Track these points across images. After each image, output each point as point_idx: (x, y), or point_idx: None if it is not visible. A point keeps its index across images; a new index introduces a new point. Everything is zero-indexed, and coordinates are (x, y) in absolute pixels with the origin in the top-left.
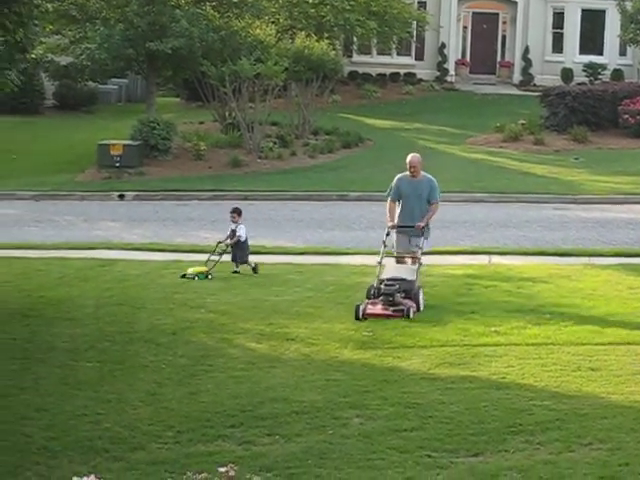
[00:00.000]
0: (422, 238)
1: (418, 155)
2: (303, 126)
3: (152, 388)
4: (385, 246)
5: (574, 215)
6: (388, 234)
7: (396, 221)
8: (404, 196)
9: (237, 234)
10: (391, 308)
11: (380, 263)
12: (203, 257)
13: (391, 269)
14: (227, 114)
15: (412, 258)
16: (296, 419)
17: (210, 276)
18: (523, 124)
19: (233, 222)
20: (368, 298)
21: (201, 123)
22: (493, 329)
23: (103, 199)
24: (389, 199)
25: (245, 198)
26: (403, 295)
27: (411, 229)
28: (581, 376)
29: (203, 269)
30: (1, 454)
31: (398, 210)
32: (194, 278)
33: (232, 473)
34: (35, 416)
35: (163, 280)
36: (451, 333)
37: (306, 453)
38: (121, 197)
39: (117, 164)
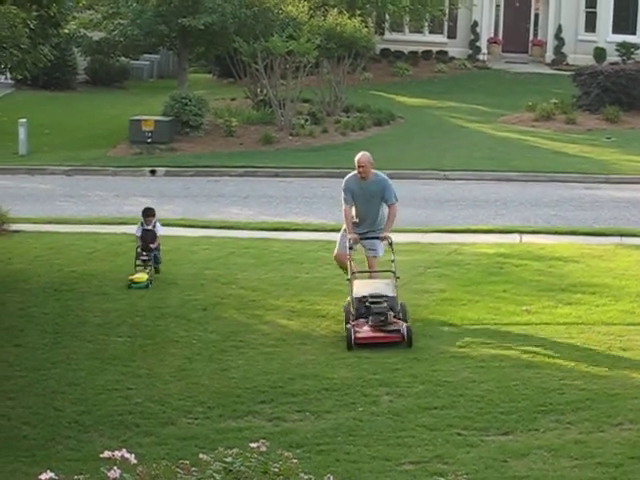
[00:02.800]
0: (380, 243)
1: (368, 154)
2: (335, 103)
3: (183, 363)
4: (351, 259)
5: (606, 195)
6: (351, 247)
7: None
8: (356, 199)
9: (158, 233)
10: (383, 329)
11: (351, 280)
12: (234, 233)
13: (364, 285)
14: (259, 91)
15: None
16: (326, 396)
17: (151, 283)
18: (555, 103)
19: (147, 223)
20: (347, 322)
21: (233, 100)
22: (524, 308)
23: (134, 174)
24: (345, 206)
25: (276, 175)
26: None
27: (368, 233)
28: (612, 356)
29: (143, 277)
30: (33, 428)
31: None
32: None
33: (263, 449)
34: (66, 390)
35: (194, 256)
36: (482, 312)
37: (336, 430)
38: (152, 173)
39: (149, 140)
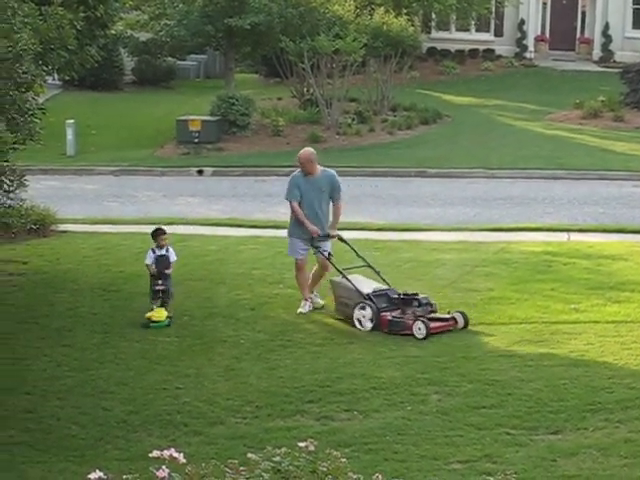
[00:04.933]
0: (329, 242)
1: (309, 149)
2: (381, 102)
3: (231, 363)
4: (331, 255)
5: None
6: (317, 247)
7: (290, 227)
8: (305, 195)
9: (171, 260)
10: (440, 318)
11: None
12: (281, 233)
13: (361, 281)
14: (305, 90)
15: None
16: (374, 395)
17: (171, 320)
18: (603, 101)
19: (160, 247)
20: (372, 319)
21: (279, 99)
22: (572, 306)
23: (182, 174)
24: (292, 201)
25: None
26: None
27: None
28: None
29: (162, 314)
30: (81, 427)
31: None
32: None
33: (312, 448)
34: (115, 390)
35: (242, 255)
36: (530, 310)
37: (384, 429)
38: (200, 173)
39: (196, 140)
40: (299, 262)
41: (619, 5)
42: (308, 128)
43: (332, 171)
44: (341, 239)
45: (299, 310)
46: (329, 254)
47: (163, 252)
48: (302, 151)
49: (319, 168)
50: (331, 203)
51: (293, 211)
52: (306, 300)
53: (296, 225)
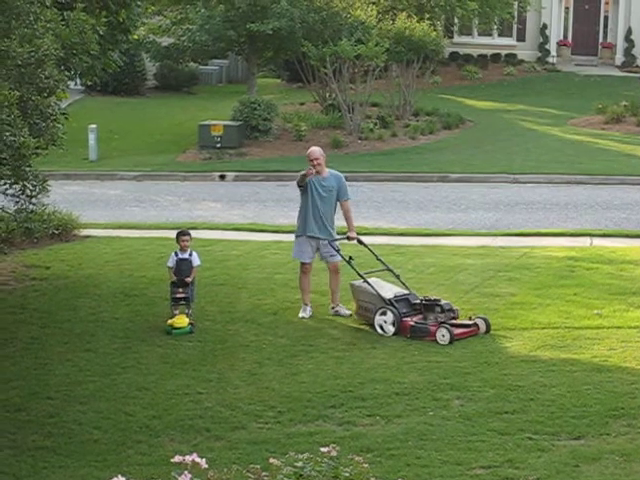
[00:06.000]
0: (334, 244)
1: (319, 148)
2: (404, 107)
3: (253, 368)
4: (352, 259)
5: None
6: (338, 250)
7: (298, 226)
8: (312, 194)
9: (194, 264)
10: (463, 324)
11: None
12: None
13: (382, 286)
14: (327, 95)
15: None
16: (396, 400)
17: (193, 327)
18: (625, 106)
19: (182, 250)
20: (394, 324)
21: (301, 104)
22: (595, 312)
23: (204, 179)
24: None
25: (346, 179)
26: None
27: (323, 235)
28: None
29: (184, 321)
30: (104, 432)
31: (303, 213)
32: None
33: (334, 453)
34: (137, 395)
35: (264, 260)
36: (553, 315)
37: (406, 434)
38: (222, 177)
39: (218, 145)
40: (306, 265)
41: None
42: (330, 133)
43: (337, 172)
44: (360, 242)
45: (300, 314)
46: (350, 257)
47: (186, 256)
48: (312, 149)
49: (326, 170)
50: (339, 205)
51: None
52: (306, 305)
53: (304, 224)
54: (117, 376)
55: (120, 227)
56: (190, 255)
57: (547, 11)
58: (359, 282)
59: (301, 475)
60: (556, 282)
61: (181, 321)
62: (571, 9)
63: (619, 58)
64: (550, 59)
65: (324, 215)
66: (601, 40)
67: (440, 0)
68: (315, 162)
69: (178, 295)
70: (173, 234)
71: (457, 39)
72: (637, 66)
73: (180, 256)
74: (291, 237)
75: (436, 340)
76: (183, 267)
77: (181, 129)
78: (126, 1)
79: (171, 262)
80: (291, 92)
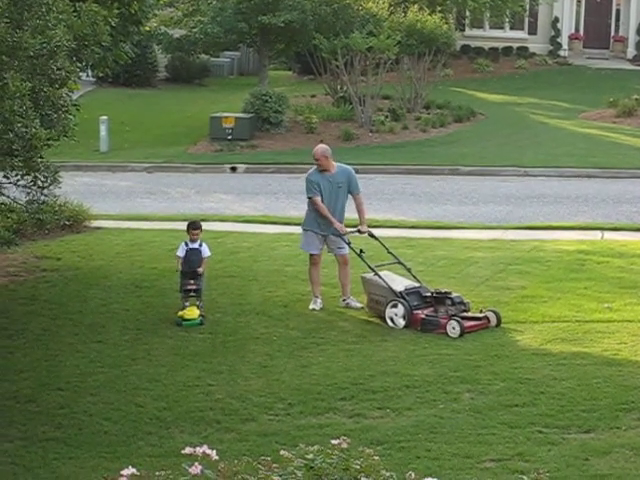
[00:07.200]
0: (344, 237)
1: (324, 146)
2: (415, 100)
3: (263, 360)
4: (362, 252)
5: None
6: (349, 243)
7: (306, 221)
8: (322, 193)
9: (204, 256)
10: (474, 317)
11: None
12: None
13: (393, 279)
14: (339, 87)
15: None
16: (407, 393)
17: (204, 318)
18: (637, 99)
19: (192, 240)
20: (405, 317)
21: (313, 96)
22: (606, 305)
23: (215, 171)
24: (315, 197)
25: (357, 172)
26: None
27: (331, 231)
28: None
29: (195, 312)
30: (114, 424)
31: (313, 210)
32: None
33: (344, 445)
34: (147, 386)
35: (275, 252)
36: (563, 309)
37: (417, 427)
38: (233, 170)
39: (229, 137)
40: (315, 257)
41: None
42: (341, 125)
43: (346, 165)
44: (372, 235)
45: (311, 306)
46: (361, 250)
47: (196, 246)
48: (317, 147)
49: (334, 164)
50: (350, 197)
51: (317, 207)
52: (316, 297)
53: (314, 220)
54: (127, 367)
55: (131, 219)
56: (200, 246)
57: (559, 4)
58: (370, 275)
59: (312, 467)
60: (567, 275)
61: (192, 313)
62: (583, 2)
63: (631, 52)
64: (562, 52)
65: (335, 212)
66: (613, 33)
67: None
68: (317, 162)
69: (189, 287)
70: (184, 226)
71: (468, 32)
72: None
73: (190, 246)
74: None
75: (447, 333)
76: (193, 257)
77: (192, 121)
78: None
79: (181, 252)
80: (302, 84)
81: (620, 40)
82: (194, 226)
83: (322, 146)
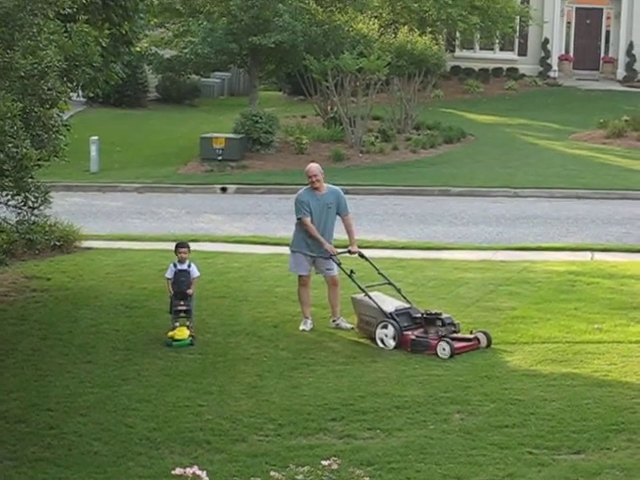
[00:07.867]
0: (335, 259)
1: (317, 164)
2: (405, 121)
3: (253, 381)
4: (353, 273)
5: None
6: (339, 264)
7: (295, 242)
8: (312, 213)
9: (193, 277)
10: (464, 338)
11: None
12: None
13: (383, 299)
14: (329, 108)
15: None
16: (397, 414)
17: (194, 339)
18: (627, 120)
19: (181, 261)
20: (395, 338)
21: (303, 117)
22: (596, 326)
23: (205, 192)
24: (304, 217)
25: (346, 192)
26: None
27: (322, 252)
28: None
29: (185, 333)
30: (104, 444)
31: (302, 231)
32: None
33: (335, 466)
34: (137, 407)
35: (265, 273)
36: (553, 330)
37: (407, 448)
38: (223, 190)
39: (219, 157)
40: (304, 278)
41: None
42: (332, 146)
43: (335, 187)
44: (362, 256)
45: (301, 327)
46: (351, 271)
47: (184, 267)
48: (310, 166)
49: (325, 185)
50: (339, 218)
51: (307, 228)
52: (306, 318)
53: (303, 241)
54: (117, 388)
55: (121, 239)
56: (189, 266)
57: (549, 25)
58: (360, 295)
59: None
60: (557, 296)
61: (182, 333)
62: (573, 24)
63: (620, 73)
64: (552, 73)
65: (324, 233)
66: (602, 55)
67: (442, 14)
68: (314, 179)
69: (179, 307)
70: (174, 246)
71: (459, 53)
72: (638, 81)
73: (179, 267)
74: None
75: (437, 354)
76: (182, 278)
77: (183, 141)
78: (129, 13)
79: (169, 273)
80: (293, 105)
81: (610, 61)
82: (181, 245)
83: (315, 164)
